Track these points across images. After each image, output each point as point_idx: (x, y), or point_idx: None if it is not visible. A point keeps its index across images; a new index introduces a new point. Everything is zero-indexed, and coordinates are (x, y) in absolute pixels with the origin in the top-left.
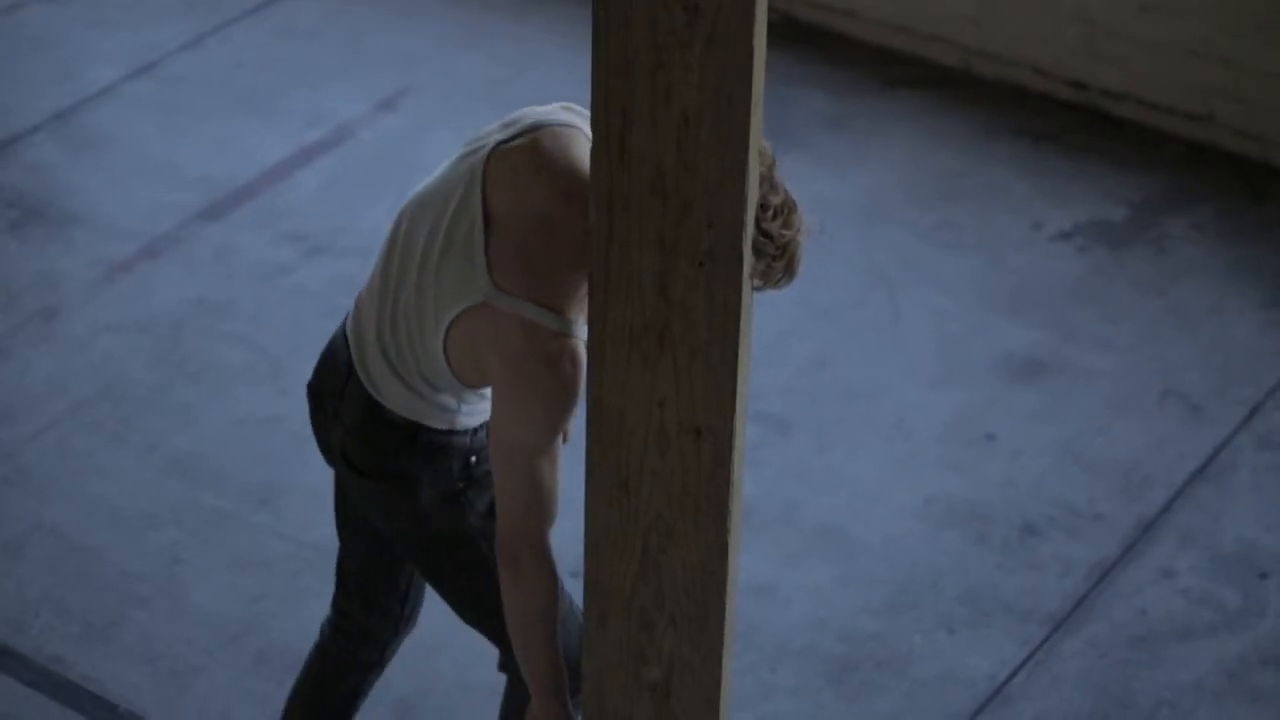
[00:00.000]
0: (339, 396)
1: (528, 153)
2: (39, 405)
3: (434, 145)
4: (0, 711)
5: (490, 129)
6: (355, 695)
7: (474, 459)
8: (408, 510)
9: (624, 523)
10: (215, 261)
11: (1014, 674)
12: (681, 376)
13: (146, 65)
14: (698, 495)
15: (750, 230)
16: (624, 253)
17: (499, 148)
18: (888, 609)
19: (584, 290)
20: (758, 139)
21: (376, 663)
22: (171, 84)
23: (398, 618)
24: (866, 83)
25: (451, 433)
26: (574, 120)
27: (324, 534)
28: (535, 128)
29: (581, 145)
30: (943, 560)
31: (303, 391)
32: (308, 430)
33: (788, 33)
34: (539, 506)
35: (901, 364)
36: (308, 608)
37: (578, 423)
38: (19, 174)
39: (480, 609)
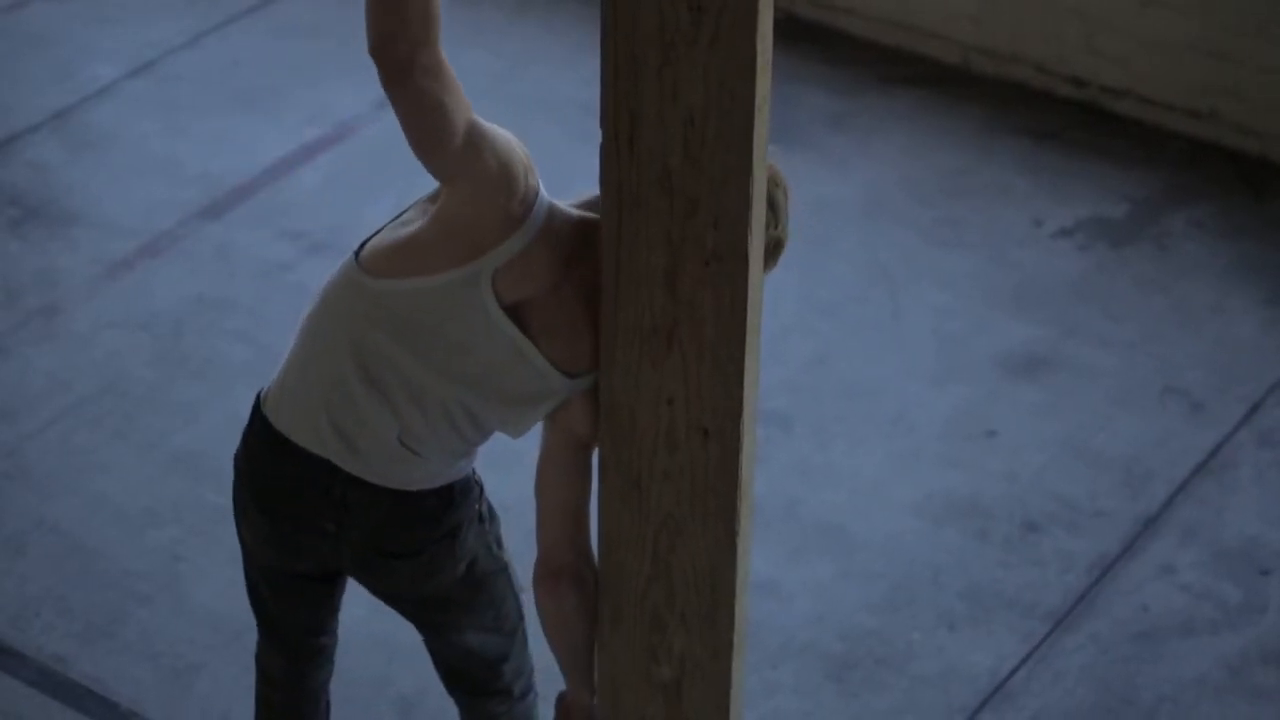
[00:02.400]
0: (338, 510)
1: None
2: (40, 403)
3: None
4: (2, 710)
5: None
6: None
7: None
8: (449, 559)
9: (636, 522)
10: (216, 259)
11: (1015, 670)
12: (690, 376)
13: (146, 63)
14: (706, 495)
15: (760, 231)
16: (633, 251)
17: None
18: (889, 605)
19: None
20: (764, 139)
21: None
22: (171, 82)
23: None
24: (867, 80)
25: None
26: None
27: None
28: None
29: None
30: (944, 556)
31: None
32: None
33: (789, 31)
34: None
35: (903, 361)
36: None
37: None
38: (20, 172)
39: (505, 630)
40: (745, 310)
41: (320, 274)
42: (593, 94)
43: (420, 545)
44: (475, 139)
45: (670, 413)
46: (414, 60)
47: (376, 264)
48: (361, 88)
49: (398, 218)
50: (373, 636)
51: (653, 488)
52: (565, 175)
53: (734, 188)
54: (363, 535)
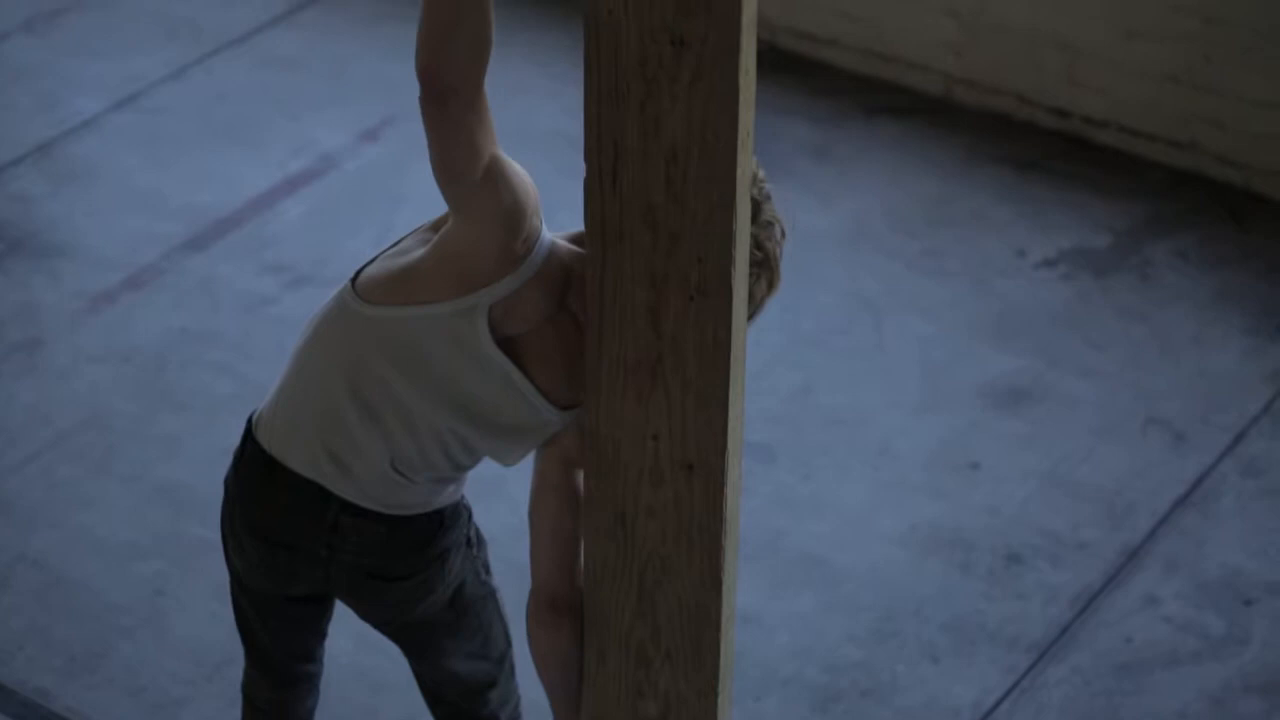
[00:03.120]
0: (330, 533)
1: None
2: (22, 436)
3: (418, 175)
4: None
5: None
6: None
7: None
8: (438, 583)
9: (621, 557)
10: (199, 292)
11: (999, 703)
12: (674, 411)
13: (129, 96)
14: (691, 531)
15: (744, 265)
16: (617, 285)
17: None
18: (872, 637)
19: None
20: (747, 174)
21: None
22: (154, 115)
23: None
24: (849, 111)
25: (460, 494)
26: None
27: None
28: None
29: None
30: (927, 588)
31: None
32: None
33: (771, 62)
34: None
35: (886, 391)
36: None
37: None
38: (2, 205)
39: (492, 656)
40: (729, 345)
41: (304, 306)
42: (576, 126)
43: (410, 569)
44: (495, 174)
45: (655, 448)
46: (457, 90)
47: (372, 292)
48: (345, 121)
49: (394, 246)
50: (358, 669)
51: (638, 523)
52: (550, 207)
53: (717, 223)
54: (353, 559)
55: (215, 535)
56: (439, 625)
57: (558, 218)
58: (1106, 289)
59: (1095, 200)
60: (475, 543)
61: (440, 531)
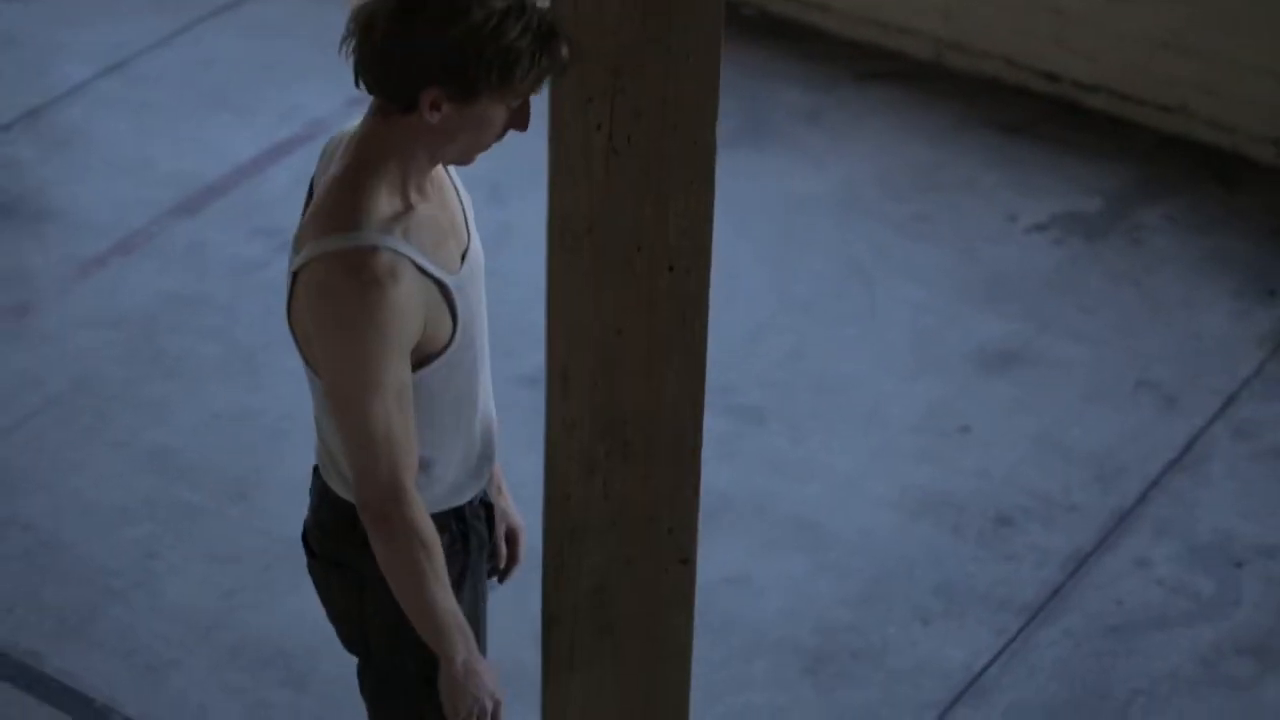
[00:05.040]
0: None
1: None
2: (12, 401)
3: None
4: None
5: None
6: None
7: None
8: (344, 600)
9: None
10: (188, 257)
11: (989, 664)
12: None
13: (117, 63)
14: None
15: None
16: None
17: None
18: (863, 600)
19: (372, 197)
20: None
21: None
22: (143, 82)
23: None
24: (840, 76)
25: None
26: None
27: (298, 528)
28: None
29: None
30: (917, 551)
31: (276, 384)
32: (282, 424)
33: (763, 27)
34: (389, 452)
35: (877, 355)
36: (282, 601)
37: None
38: None
39: None
40: None
41: None
42: None
43: (319, 545)
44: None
45: None
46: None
47: None
48: (333, 87)
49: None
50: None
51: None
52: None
53: None
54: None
55: (205, 500)
56: (362, 690)
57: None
58: (1097, 253)
59: (1085, 164)
60: (412, 639)
61: (349, 527)
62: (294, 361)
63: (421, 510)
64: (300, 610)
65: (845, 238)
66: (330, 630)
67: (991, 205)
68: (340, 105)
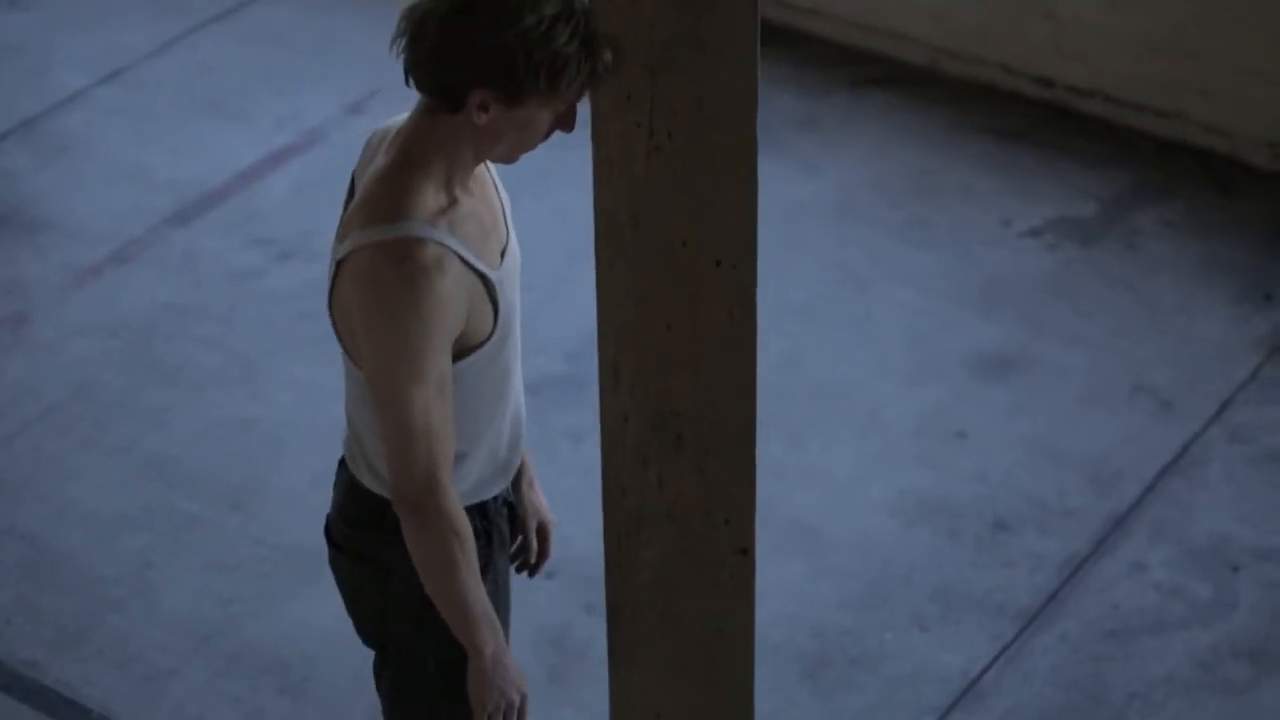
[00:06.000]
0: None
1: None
2: (10, 410)
3: None
4: None
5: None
6: None
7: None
8: (369, 594)
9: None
10: (185, 266)
11: (986, 669)
12: None
13: (115, 71)
14: None
15: None
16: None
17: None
18: (861, 605)
19: (419, 191)
20: None
21: None
22: (140, 89)
23: None
24: (835, 82)
25: None
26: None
27: (296, 537)
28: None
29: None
30: (915, 556)
31: (274, 393)
32: (280, 433)
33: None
34: (428, 443)
35: (873, 360)
36: (280, 610)
37: None
38: None
39: None
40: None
41: (290, 280)
42: None
43: (344, 538)
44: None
45: None
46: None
47: None
48: (331, 94)
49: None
50: (347, 640)
51: None
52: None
53: None
54: (331, 510)
55: (203, 509)
56: (379, 685)
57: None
58: (1092, 258)
59: (1081, 169)
60: (434, 633)
61: (375, 521)
62: (292, 369)
63: (456, 502)
64: (298, 619)
65: (841, 243)
66: (329, 638)
67: (987, 210)
68: (338, 113)
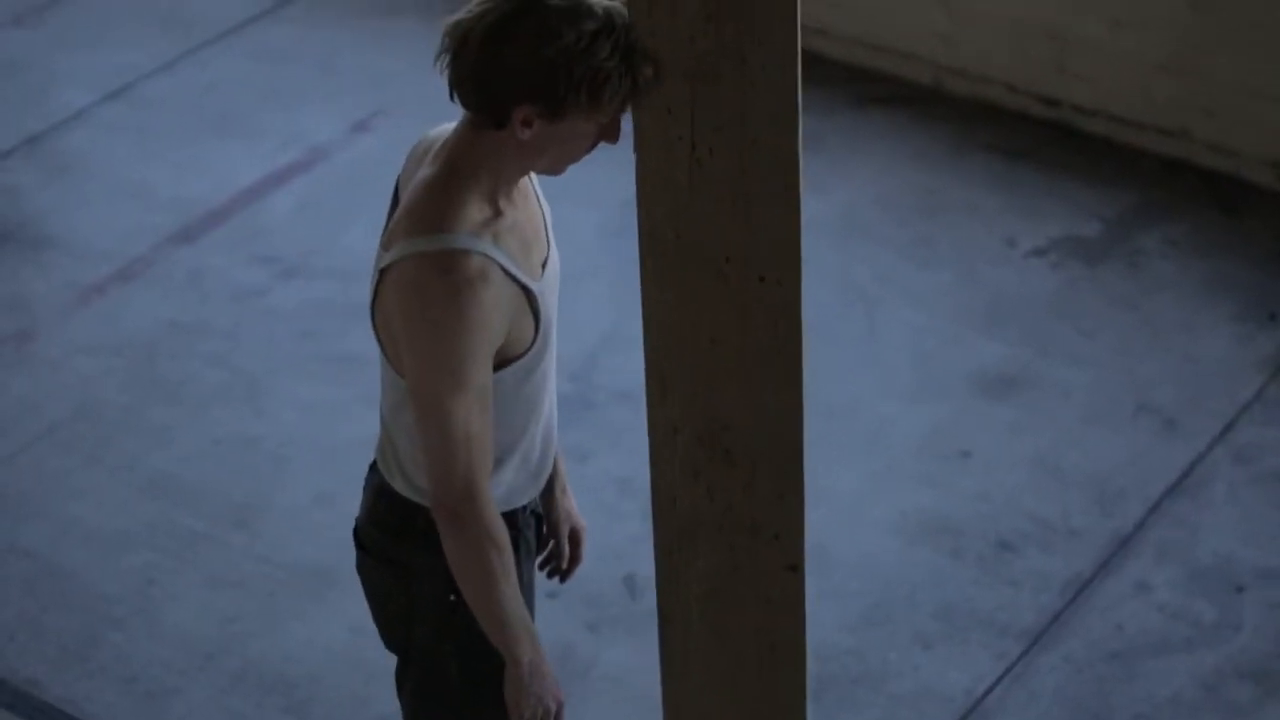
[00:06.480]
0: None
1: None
2: (13, 427)
3: None
4: None
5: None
6: None
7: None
8: (393, 599)
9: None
10: (189, 283)
11: (990, 689)
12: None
13: (120, 89)
14: None
15: None
16: None
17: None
18: (864, 624)
19: (464, 203)
20: None
21: None
22: (145, 107)
23: None
24: (841, 101)
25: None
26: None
27: (299, 555)
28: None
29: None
30: (918, 575)
31: (277, 411)
32: (284, 451)
33: None
34: (468, 452)
35: (877, 379)
36: (284, 628)
37: None
38: None
39: None
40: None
41: (294, 298)
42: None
43: (372, 541)
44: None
45: None
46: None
47: None
48: (335, 112)
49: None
50: (351, 658)
51: None
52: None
53: None
54: (360, 513)
55: (206, 526)
56: (401, 692)
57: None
58: (1097, 277)
59: (1085, 189)
60: (457, 616)
61: (407, 524)
62: (295, 388)
63: (494, 510)
64: (302, 637)
65: (845, 262)
66: (332, 656)
67: (991, 229)
68: (342, 131)
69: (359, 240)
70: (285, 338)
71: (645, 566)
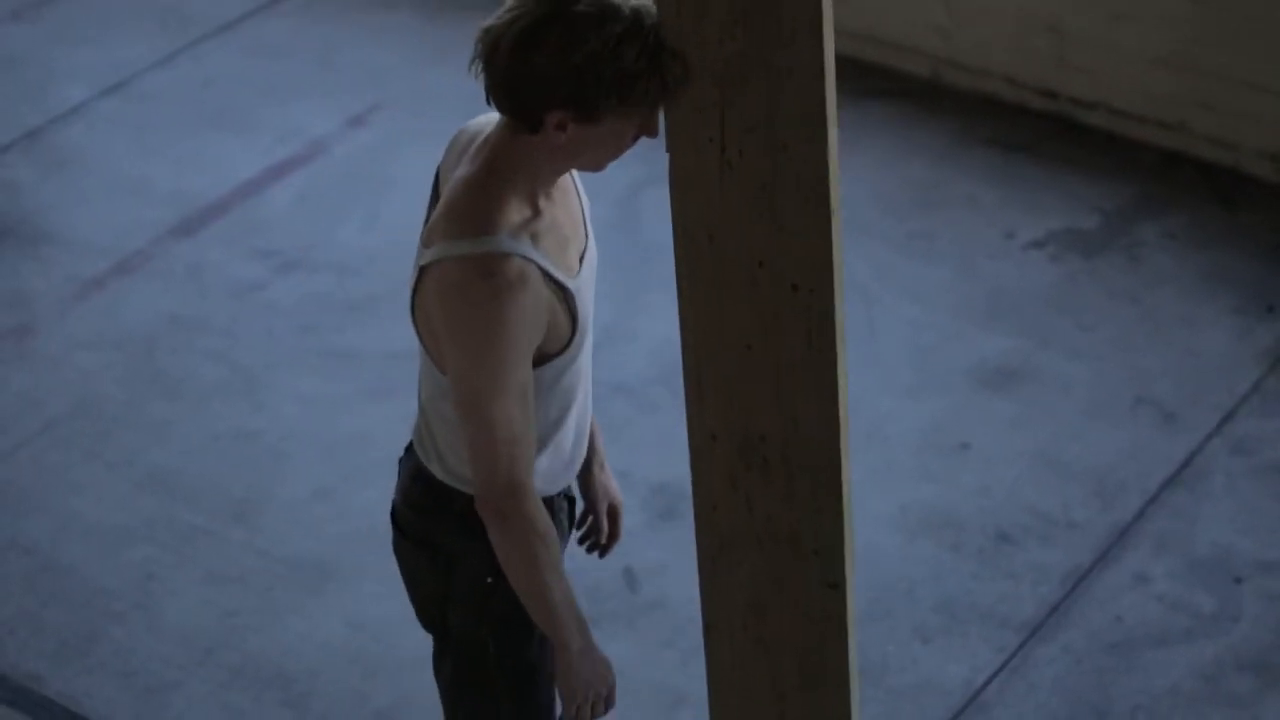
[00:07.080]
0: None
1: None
2: (13, 422)
3: (405, 161)
4: None
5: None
6: None
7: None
8: (427, 580)
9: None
10: (188, 278)
11: (989, 681)
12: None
13: (118, 83)
14: None
15: None
16: None
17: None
18: (863, 617)
19: (504, 205)
20: None
21: None
22: (143, 102)
23: None
24: (838, 94)
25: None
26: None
27: (299, 549)
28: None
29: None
30: (918, 569)
31: (277, 405)
32: (283, 445)
33: None
34: (510, 450)
35: (877, 373)
36: (283, 622)
37: None
38: None
39: None
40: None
41: (293, 292)
42: None
43: (407, 523)
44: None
45: None
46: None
47: None
48: (333, 107)
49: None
50: (349, 653)
51: None
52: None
53: None
54: (396, 495)
55: (206, 521)
56: (439, 674)
57: None
58: (1096, 270)
59: (1084, 182)
60: (494, 597)
61: (444, 506)
62: (295, 382)
63: (538, 503)
64: (301, 631)
65: (844, 256)
66: (332, 650)
67: (990, 223)
68: (340, 125)
69: (357, 234)
70: (284, 332)
71: (644, 559)
